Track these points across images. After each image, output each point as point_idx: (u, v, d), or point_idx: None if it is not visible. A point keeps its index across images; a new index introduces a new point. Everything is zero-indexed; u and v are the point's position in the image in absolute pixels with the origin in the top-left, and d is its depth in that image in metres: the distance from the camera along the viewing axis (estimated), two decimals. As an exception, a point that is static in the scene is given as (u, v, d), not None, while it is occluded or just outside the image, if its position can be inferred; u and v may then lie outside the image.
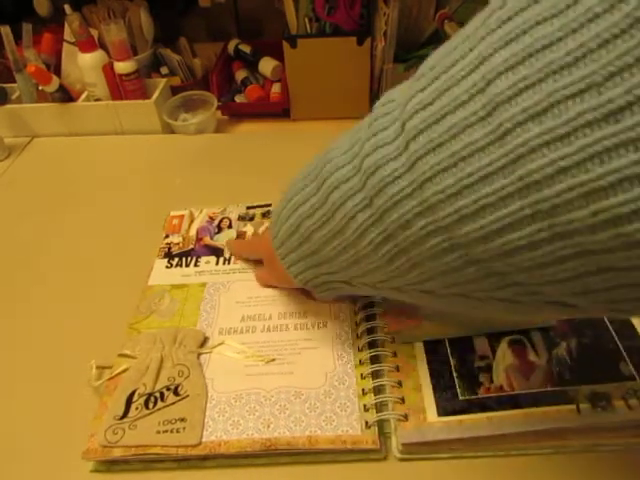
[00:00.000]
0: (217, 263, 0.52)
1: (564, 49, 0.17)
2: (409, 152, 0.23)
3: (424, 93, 0.23)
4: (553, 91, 0.17)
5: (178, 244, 0.55)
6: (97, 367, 0.43)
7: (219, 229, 0.56)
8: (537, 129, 0.18)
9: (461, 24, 0.67)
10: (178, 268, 0.52)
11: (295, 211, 0.35)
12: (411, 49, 0.74)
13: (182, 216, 0.58)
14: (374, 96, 0.76)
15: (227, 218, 0.57)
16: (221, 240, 0.55)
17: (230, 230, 0.56)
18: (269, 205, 0.58)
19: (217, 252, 0.53)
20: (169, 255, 0.53)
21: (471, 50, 0.21)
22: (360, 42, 0.69)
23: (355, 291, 0.37)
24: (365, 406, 0.39)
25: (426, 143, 0.22)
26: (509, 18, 0.19)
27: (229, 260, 0.52)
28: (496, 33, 0.20)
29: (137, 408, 0.39)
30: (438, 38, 0.72)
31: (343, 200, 0.29)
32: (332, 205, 0.30)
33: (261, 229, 0.55)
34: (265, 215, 0.57)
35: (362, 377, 0.41)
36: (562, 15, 0.17)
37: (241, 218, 0.57)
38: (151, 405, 0.39)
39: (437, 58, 0.24)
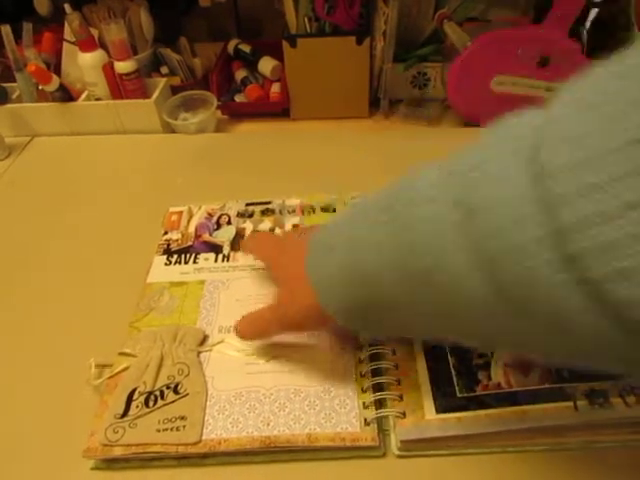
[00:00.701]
0: (216, 260, 0.52)
1: None
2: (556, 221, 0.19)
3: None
4: None
5: (177, 240, 0.55)
6: (97, 365, 0.43)
7: (218, 225, 0.56)
8: None
9: (460, 24, 0.68)
10: (177, 265, 0.52)
11: (355, 249, 0.30)
12: (410, 49, 0.74)
13: (181, 212, 0.58)
14: (373, 95, 0.76)
15: (226, 214, 0.57)
16: (220, 237, 0.55)
17: (229, 226, 0.56)
18: (269, 203, 0.58)
19: (216, 249, 0.53)
20: (168, 252, 0.54)
21: None
22: (359, 42, 0.69)
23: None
24: (364, 403, 0.39)
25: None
26: None
27: (228, 257, 0.52)
28: None
29: (137, 406, 0.39)
30: (437, 38, 0.73)
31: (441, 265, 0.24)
32: (425, 271, 0.25)
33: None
34: (264, 213, 0.57)
35: (361, 375, 0.41)
36: None
37: (240, 215, 0.57)
38: (151, 403, 0.39)
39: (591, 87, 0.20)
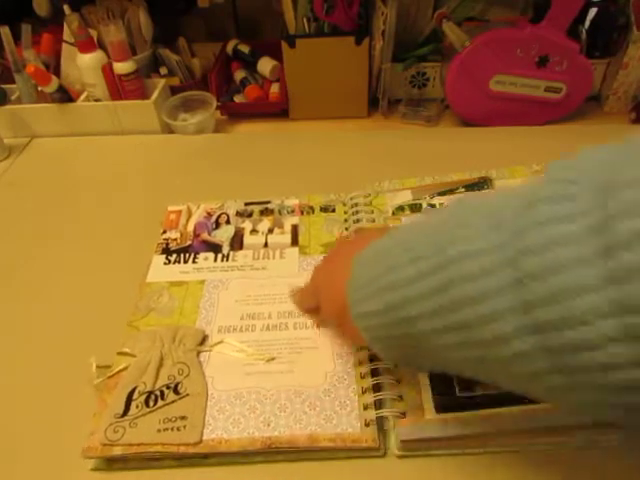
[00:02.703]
0: (215, 260, 0.52)
1: None
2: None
3: None
4: None
5: (176, 240, 0.55)
6: (97, 365, 0.43)
7: (217, 225, 0.56)
8: None
9: (459, 24, 0.68)
10: (176, 265, 0.52)
11: (405, 305, 0.27)
12: (409, 48, 0.74)
13: (179, 211, 0.58)
14: (372, 95, 0.76)
15: (225, 214, 0.57)
16: (219, 236, 0.55)
17: (228, 226, 0.56)
18: (268, 202, 0.58)
19: (215, 248, 0.53)
20: (167, 251, 0.54)
21: None
22: (358, 42, 0.69)
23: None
24: (364, 405, 0.39)
25: None
26: None
27: (227, 257, 0.53)
28: None
29: (137, 406, 0.39)
30: (436, 37, 0.73)
31: (496, 332, 0.22)
32: (476, 325, 0.23)
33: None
34: (263, 212, 0.57)
35: (361, 376, 0.41)
36: None
37: (239, 214, 0.57)
38: (151, 403, 0.39)
39: None
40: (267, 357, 0.43)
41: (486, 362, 0.24)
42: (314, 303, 0.41)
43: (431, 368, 0.35)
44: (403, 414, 0.38)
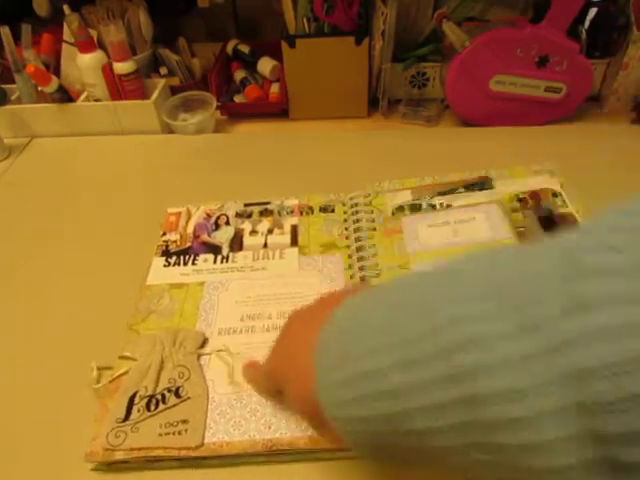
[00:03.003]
0: (215, 261, 0.52)
1: None
2: None
3: None
4: None
5: (175, 242, 0.55)
6: (98, 368, 0.43)
7: (217, 226, 0.56)
8: None
9: (459, 23, 0.68)
10: (176, 267, 0.52)
11: (405, 419, 0.21)
12: (409, 49, 0.74)
13: (179, 213, 0.58)
14: (372, 95, 0.76)
15: (224, 215, 0.57)
16: (219, 237, 0.55)
17: (228, 227, 0.56)
18: (267, 203, 0.58)
19: (215, 249, 0.54)
20: (167, 253, 0.54)
21: None
22: (358, 42, 0.69)
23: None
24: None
25: None
26: None
27: (227, 258, 0.53)
28: None
29: (139, 410, 0.39)
30: (436, 37, 0.73)
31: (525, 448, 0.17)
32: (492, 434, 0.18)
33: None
34: (263, 213, 0.57)
35: None
36: None
37: (239, 215, 0.57)
38: (153, 407, 0.39)
39: None
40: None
41: (509, 470, 0.19)
42: (273, 387, 0.32)
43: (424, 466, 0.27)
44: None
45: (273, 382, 0.32)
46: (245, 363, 0.37)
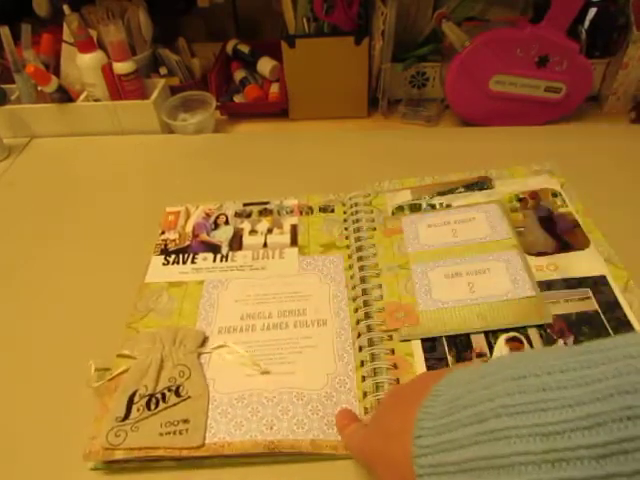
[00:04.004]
0: (214, 260, 0.52)
1: None
2: None
3: None
4: None
5: (174, 240, 0.55)
6: (96, 368, 0.42)
7: (216, 225, 0.56)
8: None
9: (459, 23, 0.68)
10: (175, 265, 0.52)
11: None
12: (409, 48, 0.74)
13: (178, 212, 0.58)
14: (372, 95, 0.76)
15: (224, 214, 0.57)
16: (218, 237, 0.55)
17: (227, 226, 0.56)
18: (267, 203, 0.58)
19: (214, 248, 0.53)
20: (166, 252, 0.54)
21: None
22: (358, 42, 0.69)
23: None
24: (366, 409, 0.39)
25: None
26: None
27: (227, 257, 0.53)
28: None
29: (139, 409, 0.39)
30: (436, 37, 0.73)
31: None
32: None
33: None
34: (262, 213, 0.57)
35: (363, 380, 0.41)
36: None
37: (238, 215, 0.57)
38: (153, 406, 0.39)
39: None
40: (261, 370, 0.42)
41: None
42: (362, 462, 0.33)
43: None
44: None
45: (363, 459, 0.32)
46: (341, 411, 0.38)
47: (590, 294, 0.44)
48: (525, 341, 0.41)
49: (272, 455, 0.37)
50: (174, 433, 0.38)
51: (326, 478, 0.37)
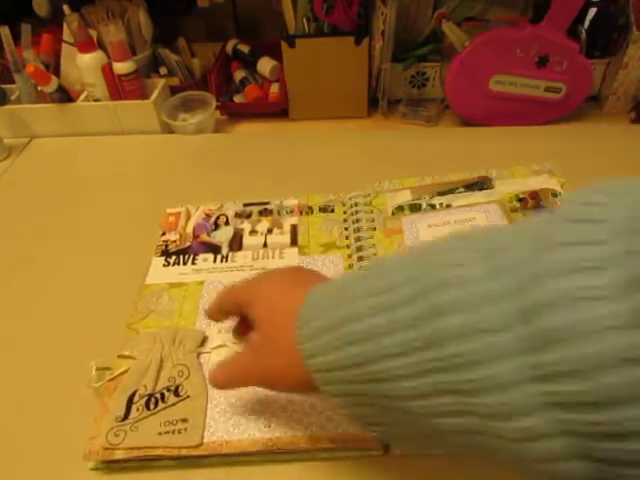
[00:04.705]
0: (215, 260, 0.52)
1: None
2: None
3: None
4: None
5: (175, 242, 0.55)
6: (97, 368, 0.42)
7: (216, 226, 0.56)
8: None
9: (459, 23, 0.68)
10: (176, 266, 0.52)
11: (366, 340, 0.22)
12: (409, 49, 0.74)
13: (178, 213, 0.58)
14: (372, 95, 0.76)
15: (224, 215, 0.57)
16: (218, 237, 0.55)
17: (227, 227, 0.56)
18: (267, 203, 0.58)
19: (214, 249, 0.53)
20: (166, 253, 0.54)
21: None
22: (358, 42, 0.69)
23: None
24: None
25: None
26: None
27: (227, 257, 0.53)
28: None
29: (138, 409, 0.39)
30: (436, 37, 0.73)
31: (479, 358, 0.18)
32: (451, 357, 0.19)
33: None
34: (262, 213, 0.57)
35: None
36: None
37: (238, 215, 0.57)
38: (152, 406, 0.39)
39: None
40: None
41: (485, 435, 0.20)
42: (236, 309, 0.35)
43: (413, 439, 0.28)
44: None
45: (241, 302, 0.34)
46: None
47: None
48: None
49: (270, 453, 0.37)
50: (173, 432, 0.38)
51: (326, 478, 0.37)
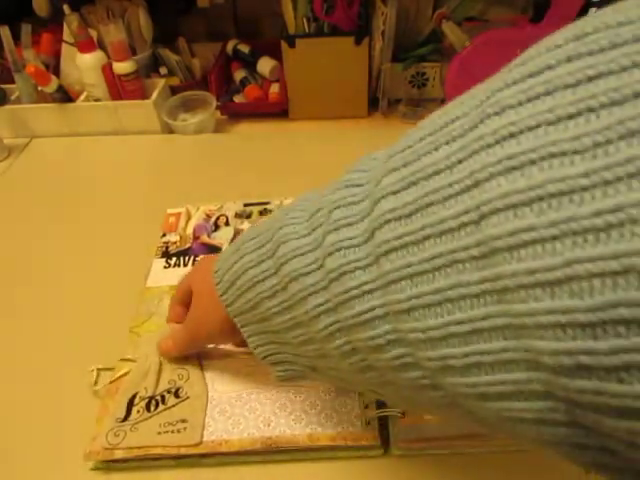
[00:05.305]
0: (216, 262, 0.52)
1: None
2: (380, 270, 0.20)
3: (398, 197, 0.19)
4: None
5: (175, 243, 0.55)
6: (99, 369, 0.43)
7: (216, 227, 0.56)
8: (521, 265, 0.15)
9: (459, 23, 0.68)
10: (176, 268, 0.52)
11: (253, 287, 0.29)
12: (409, 49, 0.74)
13: (179, 214, 0.58)
14: (372, 95, 0.76)
15: (224, 215, 0.57)
16: (219, 238, 0.55)
17: (227, 227, 0.56)
18: (267, 203, 0.58)
19: (215, 250, 0.53)
20: (167, 254, 0.54)
21: (460, 162, 0.17)
22: (358, 42, 0.69)
23: (321, 379, 0.32)
24: (365, 403, 0.39)
25: (401, 267, 0.18)
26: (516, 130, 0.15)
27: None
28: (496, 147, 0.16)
29: (138, 411, 0.39)
30: (436, 37, 0.73)
31: (304, 295, 0.24)
32: (293, 296, 0.25)
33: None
34: (262, 213, 0.57)
35: None
36: None
37: (238, 215, 0.57)
38: (152, 408, 0.39)
39: (418, 135, 0.20)
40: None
41: (325, 355, 0.26)
42: (185, 296, 0.41)
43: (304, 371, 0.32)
44: (403, 414, 0.38)
45: (185, 289, 0.40)
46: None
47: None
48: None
49: (270, 452, 0.37)
50: (172, 432, 0.38)
51: (326, 478, 0.37)
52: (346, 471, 0.37)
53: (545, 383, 0.15)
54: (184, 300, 0.41)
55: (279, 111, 0.78)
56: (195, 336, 0.39)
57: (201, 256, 0.53)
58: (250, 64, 0.82)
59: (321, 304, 0.23)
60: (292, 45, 0.70)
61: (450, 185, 0.17)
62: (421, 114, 0.75)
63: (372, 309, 0.20)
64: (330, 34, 0.70)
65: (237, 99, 0.80)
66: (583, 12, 0.66)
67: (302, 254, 0.25)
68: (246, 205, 0.58)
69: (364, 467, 0.37)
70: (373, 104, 0.77)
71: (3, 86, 0.76)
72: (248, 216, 0.57)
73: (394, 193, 0.19)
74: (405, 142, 0.20)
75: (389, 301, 0.19)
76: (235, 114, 0.79)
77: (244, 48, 0.82)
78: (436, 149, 0.18)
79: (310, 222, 0.25)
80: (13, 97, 0.78)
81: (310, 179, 0.62)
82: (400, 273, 0.19)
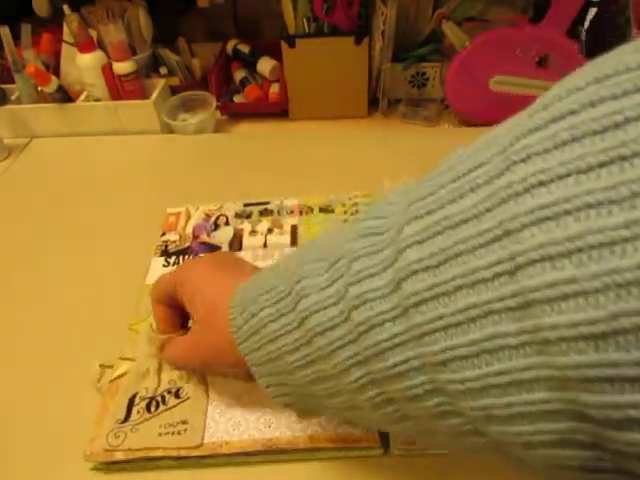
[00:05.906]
0: (215, 262, 0.52)
1: None
2: (410, 322, 0.19)
3: (424, 247, 0.19)
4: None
5: (175, 242, 0.55)
6: (100, 365, 0.43)
7: (216, 226, 0.56)
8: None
9: (459, 23, 0.68)
10: (175, 267, 0.52)
11: (275, 340, 0.27)
12: (409, 49, 0.74)
13: (179, 213, 0.58)
14: (372, 95, 0.76)
15: (224, 215, 0.57)
16: (218, 238, 0.55)
17: (227, 227, 0.56)
18: (267, 203, 0.58)
19: (214, 249, 0.53)
20: (166, 253, 0.54)
21: (488, 210, 0.17)
22: (358, 42, 0.69)
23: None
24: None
25: (433, 319, 0.18)
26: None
27: (227, 258, 0.53)
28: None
29: (139, 412, 0.39)
30: (436, 37, 0.73)
31: (333, 348, 0.24)
32: (318, 349, 0.24)
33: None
34: (262, 213, 0.57)
35: None
36: None
37: (238, 215, 0.57)
38: (153, 409, 0.39)
39: (445, 179, 0.19)
40: None
41: (353, 407, 0.25)
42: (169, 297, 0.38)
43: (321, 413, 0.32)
44: (403, 414, 0.38)
45: (171, 291, 0.37)
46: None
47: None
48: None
49: (270, 453, 0.37)
50: (172, 433, 0.38)
51: (326, 478, 0.37)
52: (346, 471, 0.37)
53: (592, 435, 0.15)
54: (164, 300, 0.38)
55: (279, 111, 0.78)
56: (206, 362, 0.36)
57: (201, 255, 0.53)
58: (250, 64, 0.82)
59: (350, 357, 0.23)
60: (292, 45, 0.70)
61: (480, 234, 0.17)
62: (421, 114, 0.75)
63: (407, 360, 0.20)
64: (330, 34, 0.70)
65: (237, 99, 0.80)
66: (583, 12, 0.66)
67: (325, 307, 0.24)
68: (246, 205, 0.58)
69: (364, 467, 0.37)
70: (373, 104, 0.77)
71: (3, 86, 0.76)
72: (248, 216, 0.57)
73: (419, 243, 0.19)
74: (426, 189, 0.20)
75: (422, 353, 0.19)
76: (235, 114, 0.79)
77: (244, 48, 0.82)
78: (461, 197, 0.18)
79: (330, 273, 0.24)
80: (13, 97, 0.78)
81: (310, 179, 0.63)
82: (433, 325, 0.18)
